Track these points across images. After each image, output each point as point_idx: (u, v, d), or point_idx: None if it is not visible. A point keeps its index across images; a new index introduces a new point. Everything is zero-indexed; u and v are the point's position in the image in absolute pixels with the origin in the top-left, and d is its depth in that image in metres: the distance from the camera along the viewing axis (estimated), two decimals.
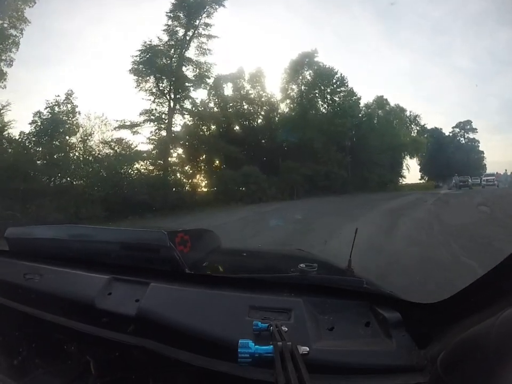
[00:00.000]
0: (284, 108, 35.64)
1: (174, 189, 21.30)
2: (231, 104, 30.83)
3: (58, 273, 0.97)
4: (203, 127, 29.11)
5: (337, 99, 35.64)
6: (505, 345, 0.43)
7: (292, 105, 36.02)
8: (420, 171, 49.23)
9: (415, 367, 0.60)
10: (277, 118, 34.33)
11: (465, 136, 50.48)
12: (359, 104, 35.95)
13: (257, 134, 31.99)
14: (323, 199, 21.83)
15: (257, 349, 0.57)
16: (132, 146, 20.69)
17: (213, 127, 29.35)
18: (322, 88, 34.84)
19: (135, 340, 0.74)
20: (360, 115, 36.55)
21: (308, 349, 0.57)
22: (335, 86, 35.30)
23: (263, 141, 32.48)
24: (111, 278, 0.89)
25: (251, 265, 1.27)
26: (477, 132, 49.20)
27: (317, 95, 35.32)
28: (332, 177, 31.28)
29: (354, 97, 35.63)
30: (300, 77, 36.53)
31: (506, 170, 32.06)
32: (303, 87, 36.40)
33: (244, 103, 31.57)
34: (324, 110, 36.13)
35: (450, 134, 47.88)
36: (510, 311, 0.46)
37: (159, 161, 22.37)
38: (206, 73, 25.72)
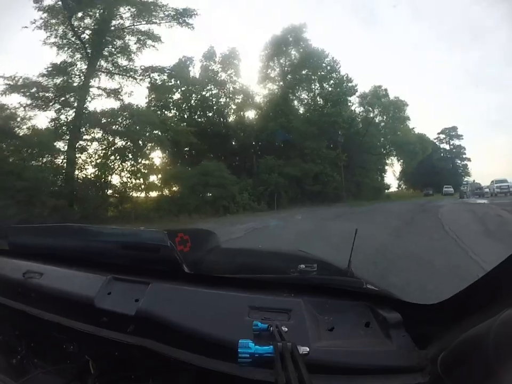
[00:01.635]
0: (263, 91, 28.28)
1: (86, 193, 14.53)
2: (196, 87, 25.39)
3: (58, 273, 0.97)
4: (152, 101, 22.35)
5: (327, 86, 28.60)
6: (504, 345, 0.43)
7: (272, 88, 28.53)
8: (398, 179, 46.96)
9: (415, 367, 0.60)
10: (252, 105, 26.66)
11: (451, 143, 48.46)
12: (355, 92, 29.19)
13: (229, 123, 26.52)
14: (316, 211, 17.22)
15: (257, 349, 0.57)
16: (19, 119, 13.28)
17: (169, 113, 23.61)
18: (310, 72, 27.61)
19: (135, 340, 0.74)
20: (355, 107, 30.04)
21: (307, 349, 0.57)
22: (326, 70, 29.43)
23: (236, 133, 26.60)
24: (111, 278, 0.89)
25: (251, 265, 1.25)
26: (462, 139, 47.43)
27: (303, 78, 27.97)
28: (323, 181, 24.41)
29: (349, 84, 28.68)
30: (284, 56, 29.36)
31: None
32: (286, 68, 29.15)
33: (213, 87, 26.18)
34: (312, 97, 29.01)
35: (435, 140, 45.29)
36: (510, 311, 0.46)
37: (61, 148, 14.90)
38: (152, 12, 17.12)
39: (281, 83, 28.79)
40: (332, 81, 28.98)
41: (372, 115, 30.88)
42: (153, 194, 17.64)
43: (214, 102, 25.65)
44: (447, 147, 48.85)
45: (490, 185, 25.69)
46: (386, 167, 36.47)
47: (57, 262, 1.02)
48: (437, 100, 68.03)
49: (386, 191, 36.24)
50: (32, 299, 0.92)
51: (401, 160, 36.71)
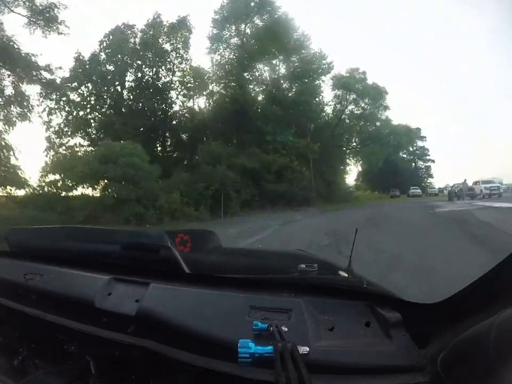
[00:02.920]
0: (213, 61, 22.08)
1: None
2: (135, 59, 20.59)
3: (59, 274, 0.97)
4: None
5: (296, 62, 23.11)
6: (505, 345, 0.43)
7: (226, 58, 22.26)
8: (357, 180, 46.09)
9: (415, 367, 0.60)
10: (201, 82, 20.57)
11: (414, 144, 45.52)
12: (329, 70, 24.02)
13: (166, 99, 21.36)
14: (286, 220, 12.59)
15: (257, 349, 0.57)
16: None
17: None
18: (275, 45, 21.93)
19: (135, 340, 0.74)
20: (329, 90, 24.97)
21: (308, 349, 0.57)
22: (295, 44, 24.41)
23: (179, 114, 22.14)
24: (111, 278, 0.89)
25: (251, 265, 1.24)
26: (425, 140, 46.31)
27: (266, 49, 22.11)
28: (289, 178, 18.74)
29: (323, 61, 23.40)
30: (244, 23, 23.37)
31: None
32: (245, 39, 23.18)
33: (154, 59, 20.94)
34: (276, 73, 23.24)
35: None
36: (510, 311, 0.46)
37: None
38: None
39: (237, 54, 22.63)
40: (301, 57, 23.55)
41: (347, 100, 26.17)
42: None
43: (153, 74, 20.85)
44: (410, 148, 46.98)
45: (476, 187, 23.33)
46: (348, 167, 34.05)
47: (57, 263, 1.01)
48: (403, 101, 67.73)
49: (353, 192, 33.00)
50: (32, 300, 0.91)
51: (362, 160, 34.79)
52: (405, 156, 46.85)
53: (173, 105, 21.37)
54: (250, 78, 22.74)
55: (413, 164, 47.98)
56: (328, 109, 26.87)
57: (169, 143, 21.09)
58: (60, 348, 0.88)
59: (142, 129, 18.72)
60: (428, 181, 48.18)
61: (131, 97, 20.44)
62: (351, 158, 32.54)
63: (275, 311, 0.72)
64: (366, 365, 0.61)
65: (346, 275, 0.98)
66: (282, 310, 0.72)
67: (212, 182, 15.23)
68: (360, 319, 0.72)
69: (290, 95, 22.74)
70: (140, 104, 19.51)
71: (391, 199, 34.44)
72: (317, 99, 23.79)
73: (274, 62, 23.57)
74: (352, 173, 36.47)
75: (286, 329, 0.63)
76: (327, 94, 27.10)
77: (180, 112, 21.53)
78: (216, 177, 15.42)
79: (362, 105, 27.21)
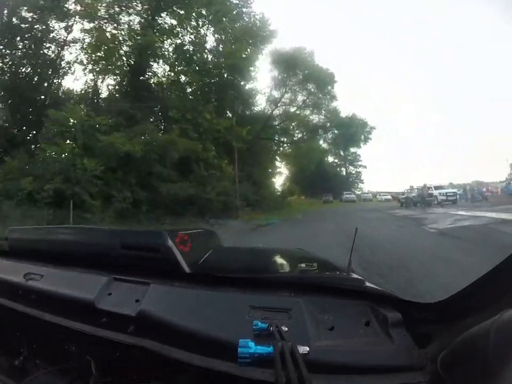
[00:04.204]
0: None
1: None
2: None
3: (59, 274, 0.97)
4: None
5: (228, 23, 17.22)
6: (505, 345, 0.43)
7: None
8: (283, 185, 40.79)
9: (415, 366, 0.60)
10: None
11: (346, 149, 43.79)
12: (269, 40, 18.43)
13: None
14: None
15: (257, 349, 0.57)
16: None
17: None
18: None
19: (135, 340, 0.74)
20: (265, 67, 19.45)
21: (308, 349, 0.57)
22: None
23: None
24: (111, 278, 0.89)
25: (251, 265, 1.25)
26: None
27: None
28: (200, 175, 12.32)
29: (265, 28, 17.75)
30: None
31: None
32: None
33: None
34: (195, 33, 16.77)
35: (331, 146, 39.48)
36: (510, 311, 0.46)
37: None
38: None
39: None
40: (234, 17, 17.37)
41: (287, 85, 20.87)
42: None
43: None
44: (342, 153, 45.27)
45: (440, 192, 21.09)
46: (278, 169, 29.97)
47: (57, 263, 1.01)
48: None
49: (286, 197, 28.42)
50: (32, 300, 0.91)
51: (293, 162, 31.35)
52: (336, 160, 46.27)
53: None
54: (158, 28, 15.73)
55: (344, 169, 47.13)
56: (263, 99, 21.52)
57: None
58: (60, 348, 0.88)
59: None
60: (359, 186, 47.70)
61: None
62: (281, 160, 28.94)
63: (275, 310, 0.72)
64: (366, 364, 0.61)
65: (346, 275, 0.97)
66: (282, 309, 0.72)
67: (51, 177, 8.13)
68: (360, 318, 0.72)
69: (212, 58, 16.36)
70: None
71: (325, 204, 32.20)
72: (251, 68, 17.84)
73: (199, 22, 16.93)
74: (280, 176, 32.84)
75: (286, 328, 0.63)
76: (264, 77, 21.60)
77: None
78: (60, 169, 8.34)
79: (305, 92, 22.37)
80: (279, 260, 1.41)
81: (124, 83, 15.35)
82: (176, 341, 0.70)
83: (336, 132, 25.08)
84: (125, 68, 15.00)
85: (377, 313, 0.72)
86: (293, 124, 23.85)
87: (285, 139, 24.67)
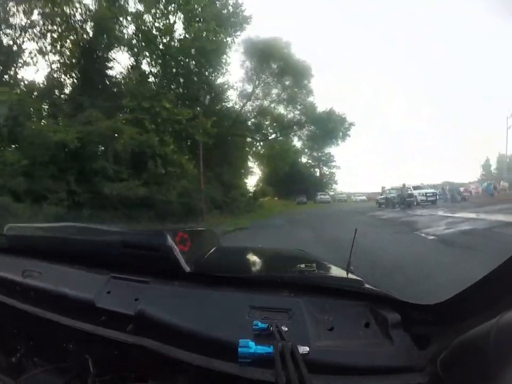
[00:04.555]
0: None
1: None
2: None
3: (57, 271, 0.96)
4: None
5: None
6: (504, 346, 0.43)
7: None
8: (256, 186, 39.22)
9: (415, 367, 0.60)
10: None
11: (319, 150, 42.72)
12: (245, 25, 16.84)
13: None
14: None
15: (257, 349, 0.56)
16: None
17: None
18: None
19: (134, 339, 0.73)
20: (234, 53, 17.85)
21: (308, 349, 0.57)
22: None
23: None
24: (110, 277, 0.88)
25: (251, 265, 1.26)
26: (332, 147, 42.09)
27: None
28: (156, 173, 10.34)
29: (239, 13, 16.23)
30: None
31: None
32: None
33: None
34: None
35: (305, 147, 38.09)
36: (510, 313, 0.46)
37: None
38: None
39: None
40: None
41: (260, 78, 19.26)
42: None
43: None
44: (316, 154, 44.09)
45: (419, 192, 20.05)
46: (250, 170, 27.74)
47: (56, 260, 1.01)
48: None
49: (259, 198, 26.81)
50: (31, 298, 0.91)
51: (266, 162, 29.73)
52: (310, 161, 45.10)
53: None
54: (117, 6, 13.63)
55: (318, 170, 46.37)
56: (235, 94, 19.75)
57: None
58: (58, 346, 0.87)
59: None
60: (333, 187, 47.14)
61: None
62: (254, 160, 27.44)
63: (275, 310, 0.72)
64: (365, 365, 0.61)
65: (346, 275, 0.97)
66: (282, 309, 0.72)
67: None
68: (360, 319, 0.72)
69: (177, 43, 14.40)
70: None
71: (299, 206, 30.88)
72: (222, 57, 15.98)
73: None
74: (253, 176, 30.91)
75: (286, 329, 0.63)
76: (236, 69, 19.86)
77: None
78: None
79: (280, 86, 20.85)
80: (279, 260, 1.41)
81: (75, 65, 13.07)
82: (175, 340, 0.70)
83: (312, 128, 23.20)
84: (78, 47, 12.72)
85: (376, 314, 0.72)
86: (266, 120, 22.28)
87: (258, 137, 23.08)
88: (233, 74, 19.19)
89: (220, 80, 17.70)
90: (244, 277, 0.89)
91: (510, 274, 0.55)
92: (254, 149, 26.19)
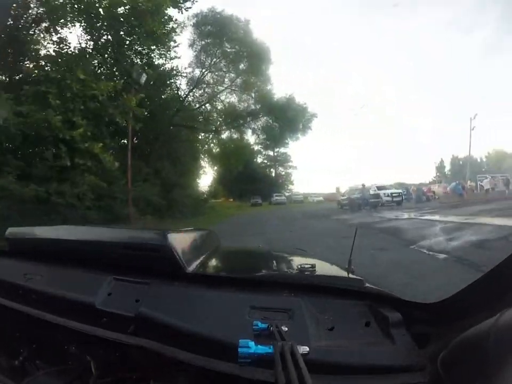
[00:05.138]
0: None
1: None
2: None
3: (59, 274, 0.97)
4: None
5: None
6: (504, 345, 0.43)
7: None
8: (210, 186, 37.70)
9: (415, 367, 0.60)
10: None
11: (275, 150, 41.49)
12: None
13: None
14: None
15: (257, 349, 0.56)
16: None
17: None
18: None
19: (135, 340, 0.74)
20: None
21: (308, 349, 0.57)
22: None
23: None
24: (111, 279, 0.88)
25: (251, 265, 1.25)
26: (287, 147, 40.03)
27: None
28: (59, 164, 7.04)
29: None
30: None
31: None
32: None
33: None
34: None
35: (260, 147, 36.30)
36: (510, 311, 0.46)
37: None
38: None
39: None
40: None
41: (212, 59, 16.48)
42: None
43: None
44: (271, 153, 42.81)
45: (385, 193, 18.70)
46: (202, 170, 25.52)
47: (57, 263, 1.01)
48: None
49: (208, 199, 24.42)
50: (32, 300, 0.91)
51: (220, 162, 27.30)
52: (266, 161, 43.45)
53: None
54: None
55: (273, 170, 44.85)
56: (183, 82, 16.77)
57: None
58: (60, 348, 0.87)
59: None
60: (289, 187, 45.52)
61: None
62: (206, 158, 25.01)
63: (275, 311, 0.72)
64: (366, 364, 0.61)
65: (346, 275, 0.97)
66: (282, 309, 0.72)
67: None
68: (360, 318, 0.72)
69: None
70: None
71: (254, 208, 28.95)
72: (165, 28, 12.89)
73: None
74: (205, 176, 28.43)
75: (286, 329, 0.63)
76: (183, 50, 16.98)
77: None
78: None
79: (233, 70, 18.18)
80: (279, 260, 1.38)
81: None
82: (176, 341, 0.70)
83: (268, 118, 20.66)
84: None
85: (377, 313, 0.72)
86: (217, 110, 19.52)
87: (209, 130, 20.16)
88: (180, 56, 16.06)
89: (162, 61, 14.68)
90: (244, 277, 0.89)
91: (509, 272, 0.55)
92: (206, 146, 23.75)
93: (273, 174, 45.03)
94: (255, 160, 38.36)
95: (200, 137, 21.22)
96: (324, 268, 1.09)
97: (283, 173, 46.14)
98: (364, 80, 70.84)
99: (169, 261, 0.84)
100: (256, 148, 33.91)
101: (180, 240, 0.92)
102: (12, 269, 1.03)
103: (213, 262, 1.09)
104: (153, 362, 0.72)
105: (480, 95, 63.45)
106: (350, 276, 0.95)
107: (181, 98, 16.58)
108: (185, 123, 16.73)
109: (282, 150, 41.03)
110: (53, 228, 1.18)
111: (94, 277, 0.90)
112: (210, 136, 21.98)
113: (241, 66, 18.25)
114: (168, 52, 14.42)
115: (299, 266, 0.87)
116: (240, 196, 36.75)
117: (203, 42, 17.41)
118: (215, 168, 30.89)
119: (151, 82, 13.86)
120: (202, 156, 24.22)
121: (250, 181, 36.00)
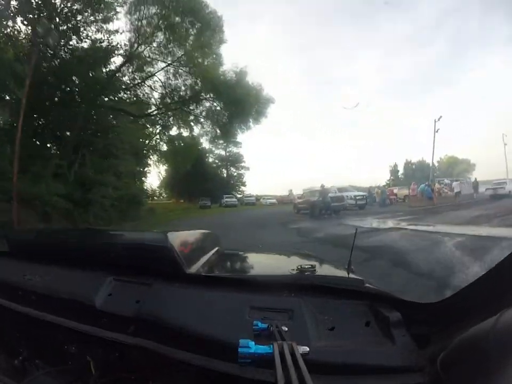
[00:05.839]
0: None
1: None
2: None
3: (59, 274, 0.96)
4: None
5: None
6: (504, 345, 0.43)
7: None
8: (160, 187, 38.34)
9: (415, 367, 0.60)
10: None
11: (228, 150, 40.78)
12: None
13: None
14: None
15: (257, 349, 0.56)
16: None
17: None
18: None
19: (136, 341, 0.73)
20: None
21: (308, 349, 0.57)
22: None
23: None
24: (112, 279, 0.88)
25: (251, 265, 1.25)
26: (240, 147, 40.17)
27: None
28: None
29: None
30: None
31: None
32: None
33: None
34: None
35: (212, 146, 34.28)
36: (509, 311, 0.46)
37: None
38: None
39: None
40: None
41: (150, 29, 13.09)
42: None
43: None
44: (223, 153, 41.89)
45: (349, 195, 17.18)
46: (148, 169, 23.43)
47: (57, 263, 1.00)
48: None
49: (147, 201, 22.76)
50: (32, 301, 0.90)
51: (168, 162, 25.85)
52: (217, 161, 42.40)
53: None
54: None
55: (225, 171, 43.16)
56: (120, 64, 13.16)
57: None
58: (60, 348, 0.87)
59: None
60: (241, 189, 43.75)
61: None
62: (151, 157, 22.37)
63: (275, 311, 0.72)
64: (365, 365, 0.61)
65: (346, 275, 0.97)
66: (282, 309, 0.72)
67: None
68: (360, 318, 0.72)
69: None
70: None
71: (202, 210, 26.45)
72: None
73: None
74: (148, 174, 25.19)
75: (286, 329, 0.63)
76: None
77: None
78: None
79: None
80: (279, 260, 1.40)
81: None
82: (176, 341, 0.70)
83: (213, 101, 16.73)
84: None
85: (377, 313, 0.72)
86: (151, 91, 15.62)
87: (140, 116, 16.50)
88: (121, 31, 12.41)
89: (80, 16, 11.25)
90: (244, 278, 0.89)
91: (509, 272, 0.55)
92: (153, 142, 21.44)
93: (224, 175, 42.53)
94: (206, 160, 36.96)
95: (146, 132, 18.66)
96: (324, 268, 1.11)
97: (235, 173, 43.94)
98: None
99: (169, 261, 0.84)
100: (207, 146, 31.19)
101: (181, 241, 0.92)
102: (12, 269, 1.03)
103: (213, 263, 1.10)
104: (153, 363, 0.72)
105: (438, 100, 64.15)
106: (350, 276, 0.95)
107: (108, 74, 13.06)
108: (111, 104, 13.22)
109: (234, 150, 39.67)
110: (53, 229, 1.35)
111: (94, 277, 0.90)
112: (157, 131, 18.81)
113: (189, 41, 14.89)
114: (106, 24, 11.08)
115: (299, 267, 0.87)
116: (191, 198, 34.28)
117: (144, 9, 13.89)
118: (162, 166, 27.46)
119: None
120: (146, 152, 20.99)
121: (200, 182, 33.89)
